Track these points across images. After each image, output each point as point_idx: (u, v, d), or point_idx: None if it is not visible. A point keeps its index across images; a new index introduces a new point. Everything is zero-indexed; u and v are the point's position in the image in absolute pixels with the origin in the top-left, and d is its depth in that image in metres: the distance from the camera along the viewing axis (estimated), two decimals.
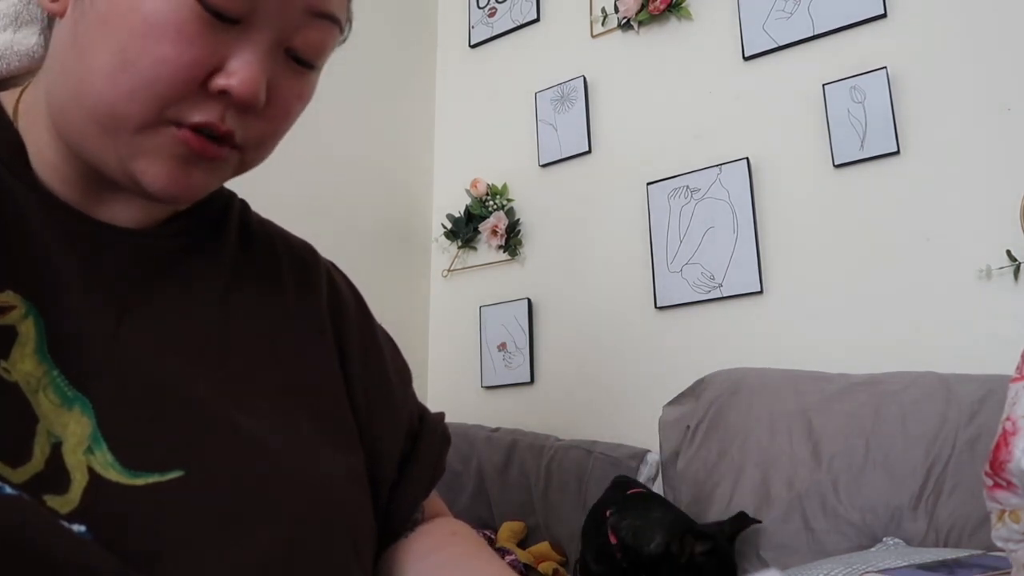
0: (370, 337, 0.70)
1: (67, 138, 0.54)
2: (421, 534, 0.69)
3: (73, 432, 0.47)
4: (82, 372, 0.49)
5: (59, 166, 0.55)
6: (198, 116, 0.51)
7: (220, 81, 0.51)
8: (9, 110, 0.56)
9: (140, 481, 0.48)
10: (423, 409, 0.74)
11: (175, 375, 0.53)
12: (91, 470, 0.47)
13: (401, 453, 0.68)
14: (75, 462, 0.46)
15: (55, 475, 0.45)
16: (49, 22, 0.58)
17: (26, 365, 0.47)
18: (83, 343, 0.50)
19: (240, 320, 0.60)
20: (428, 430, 0.72)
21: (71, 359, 0.49)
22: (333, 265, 0.73)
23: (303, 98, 0.57)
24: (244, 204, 0.68)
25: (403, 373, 0.73)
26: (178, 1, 0.49)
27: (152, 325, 0.54)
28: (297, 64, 0.55)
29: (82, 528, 0.44)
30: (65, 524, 0.43)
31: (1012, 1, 1.65)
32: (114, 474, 0.47)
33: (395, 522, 0.68)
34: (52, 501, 0.44)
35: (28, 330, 0.48)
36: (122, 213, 0.56)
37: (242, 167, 0.57)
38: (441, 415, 0.75)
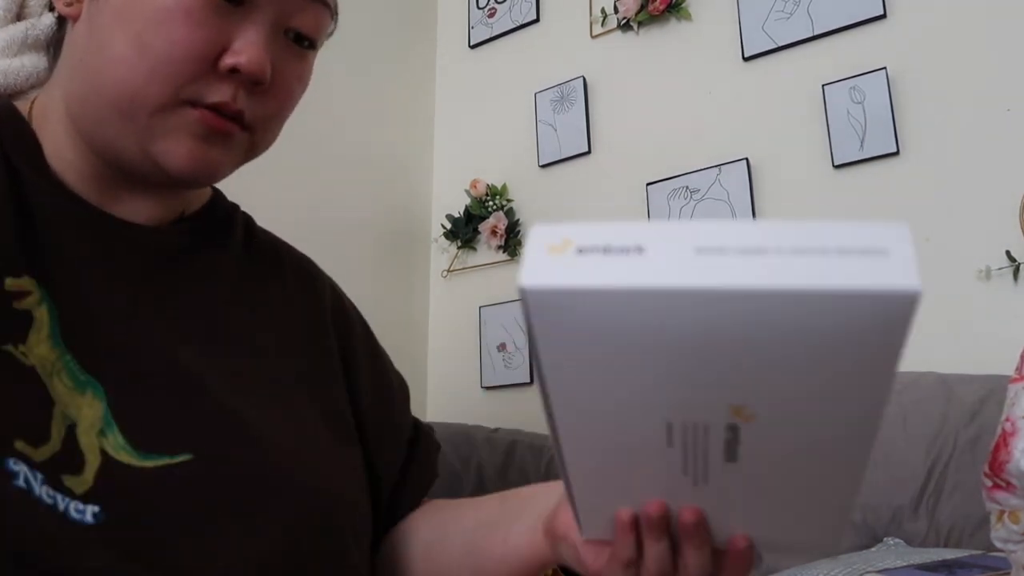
0: (374, 348, 0.74)
1: (86, 133, 0.56)
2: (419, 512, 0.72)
3: (86, 415, 0.49)
4: (94, 357, 0.51)
5: (76, 163, 0.57)
6: (213, 96, 0.55)
7: (229, 60, 0.55)
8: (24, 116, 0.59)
9: (150, 463, 0.49)
10: (415, 418, 0.78)
11: (185, 363, 0.55)
12: (103, 452, 0.49)
13: (402, 458, 0.71)
14: (88, 443, 0.48)
15: (71, 456, 0.48)
16: (54, 39, 0.62)
17: (41, 350, 0.49)
18: (95, 329, 0.52)
19: (247, 315, 0.62)
20: (424, 437, 0.75)
21: (83, 344, 0.51)
22: (332, 280, 0.76)
23: (302, 80, 0.61)
24: (247, 215, 0.71)
25: (402, 382, 0.77)
26: None
27: (163, 314, 0.57)
28: (297, 45, 0.59)
29: (96, 508, 0.46)
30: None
31: (1011, 1, 1.65)
32: (125, 456, 0.49)
33: (394, 519, 0.70)
34: (69, 481, 0.47)
35: (43, 316, 0.50)
36: (135, 211, 0.59)
37: (252, 150, 0.60)
38: (429, 426, 0.79)
